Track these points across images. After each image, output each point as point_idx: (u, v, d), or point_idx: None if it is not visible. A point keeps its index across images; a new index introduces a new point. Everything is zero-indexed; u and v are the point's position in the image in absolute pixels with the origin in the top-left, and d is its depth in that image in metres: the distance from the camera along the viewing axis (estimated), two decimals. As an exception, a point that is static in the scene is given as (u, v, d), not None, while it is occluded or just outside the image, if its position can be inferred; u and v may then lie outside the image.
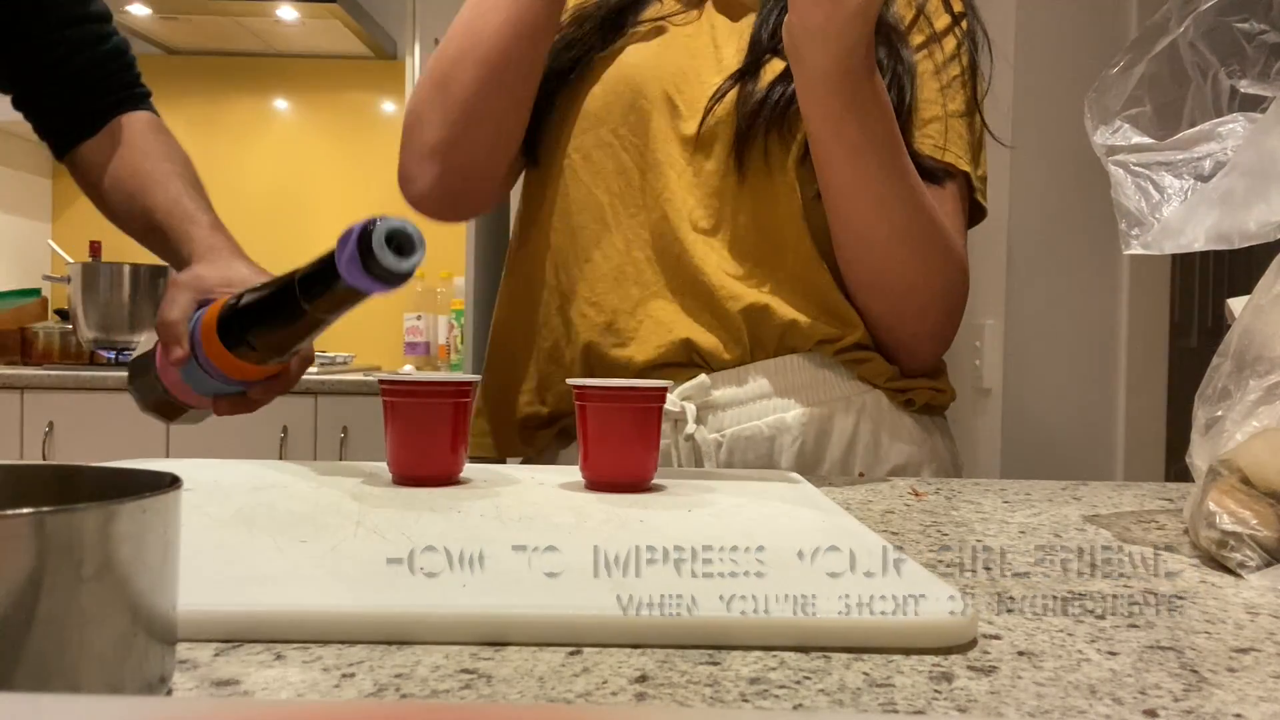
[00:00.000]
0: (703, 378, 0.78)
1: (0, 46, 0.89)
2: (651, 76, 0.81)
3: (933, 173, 0.79)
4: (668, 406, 0.77)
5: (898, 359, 0.82)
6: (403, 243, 0.55)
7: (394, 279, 0.55)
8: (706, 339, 0.79)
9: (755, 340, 0.79)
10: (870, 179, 0.72)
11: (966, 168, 0.82)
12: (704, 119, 0.79)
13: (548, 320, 0.85)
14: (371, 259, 0.54)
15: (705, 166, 0.80)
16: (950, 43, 0.83)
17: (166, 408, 0.77)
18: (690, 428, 0.77)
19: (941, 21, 0.84)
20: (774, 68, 0.80)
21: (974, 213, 0.86)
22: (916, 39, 0.83)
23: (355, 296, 0.57)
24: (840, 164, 0.72)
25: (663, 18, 0.85)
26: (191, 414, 0.78)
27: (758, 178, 0.80)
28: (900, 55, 0.80)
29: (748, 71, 0.80)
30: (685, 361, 0.79)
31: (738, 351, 0.79)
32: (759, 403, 0.79)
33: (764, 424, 0.78)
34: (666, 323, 0.79)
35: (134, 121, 0.92)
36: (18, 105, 0.93)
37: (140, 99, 0.95)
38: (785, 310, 0.78)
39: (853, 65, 0.67)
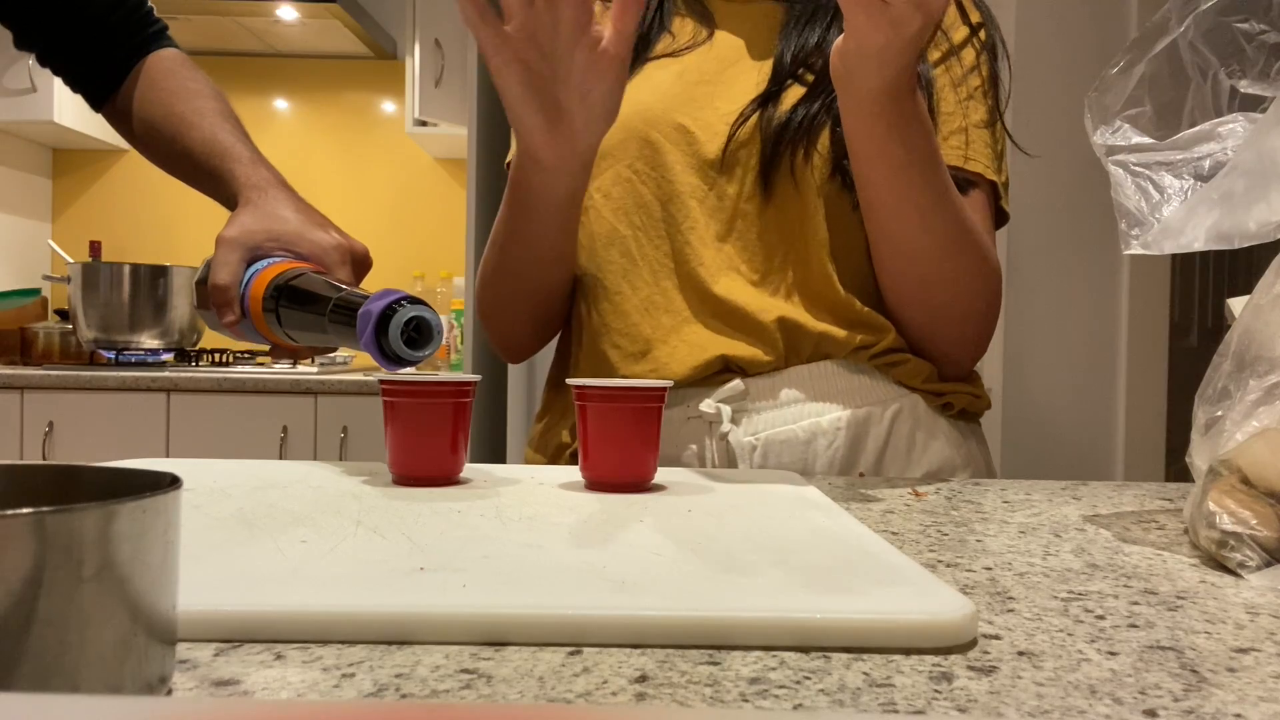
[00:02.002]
0: (737, 382, 0.79)
1: (10, 6, 0.89)
2: (662, 109, 0.82)
3: (959, 183, 0.80)
4: (703, 408, 0.79)
5: (937, 365, 0.83)
6: (421, 326, 0.58)
7: (402, 363, 0.59)
8: (742, 350, 0.80)
9: (790, 347, 0.80)
10: (913, 194, 0.73)
11: (993, 176, 0.82)
12: (728, 143, 0.80)
13: (580, 357, 0.87)
14: (384, 340, 0.57)
15: (727, 190, 0.81)
16: (969, 54, 0.84)
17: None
18: (725, 427, 0.78)
19: (959, 34, 0.84)
20: (795, 92, 0.81)
21: (997, 218, 0.87)
22: (934, 54, 0.83)
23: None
24: (884, 181, 0.73)
25: (672, 52, 0.86)
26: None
27: (783, 199, 0.81)
28: (916, 71, 0.81)
29: (770, 97, 0.81)
30: (721, 370, 0.80)
31: (773, 358, 0.80)
32: (794, 407, 0.79)
33: (799, 428, 0.79)
34: (701, 344, 0.80)
35: (160, 61, 0.91)
36: (43, 62, 0.92)
37: (159, 36, 0.94)
38: (816, 324, 0.80)
39: (900, 85, 0.67)
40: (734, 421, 0.79)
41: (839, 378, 0.80)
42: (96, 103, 0.94)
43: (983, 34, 0.85)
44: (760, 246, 0.81)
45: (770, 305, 0.80)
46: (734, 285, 0.80)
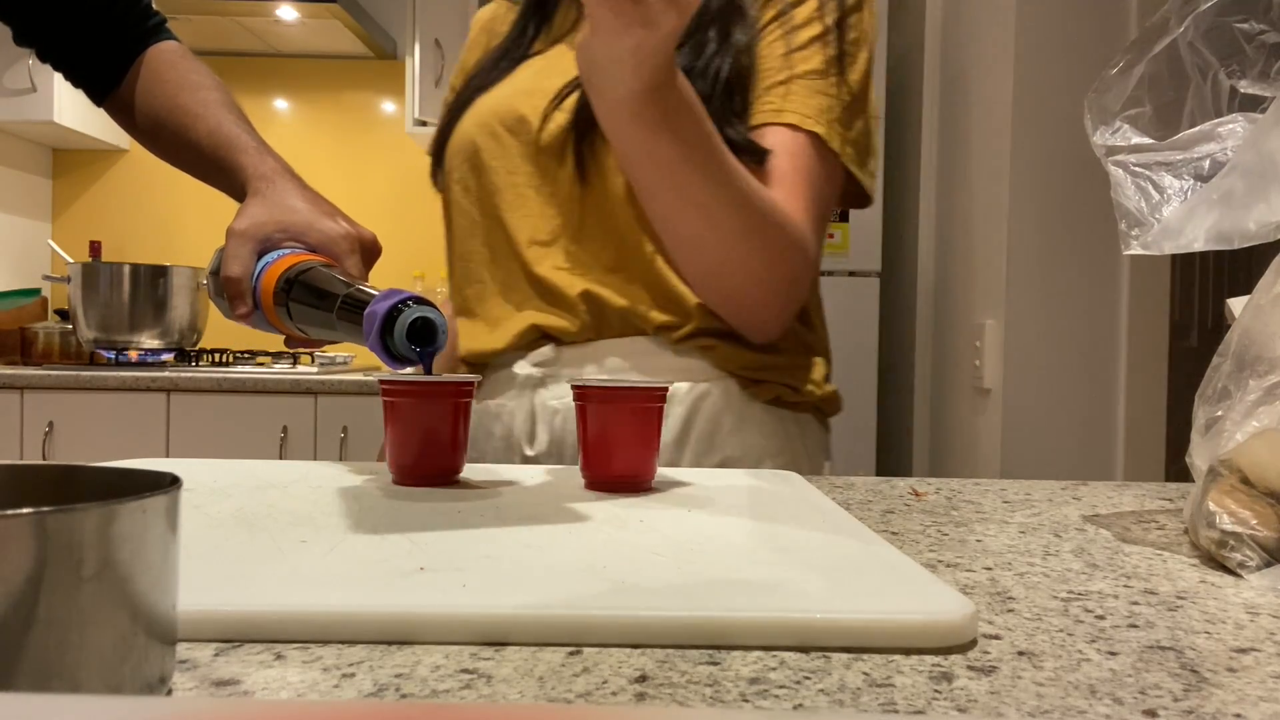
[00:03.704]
0: (548, 347, 0.82)
1: (11, 3, 0.89)
2: (508, 102, 0.84)
3: (750, 148, 0.75)
4: (515, 369, 0.82)
5: (745, 336, 0.81)
6: (426, 327, 0.58)
7: (408, 364, 0.59)
8: (553, 321, 0.82)
9: (598, 320, 0.81)
10: (690, 190, 0.69)
11: (812, 127, 0.77)
12: (542, 125, 0.81)
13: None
14: (389, 340, 0.59)
15: (559, 174, 0.82)
16: (810, 5, 0.79)
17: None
18: (522, 370, 0.82)
19: None
20: None
21: (853, 193, 0.83)
22: (768, 13, 0.80)
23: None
24: (655, 181, 0.69)
25: (539, 51, 0.89)
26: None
27: (598, 179, 0.80)
28: (730, 36, 0.77)
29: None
30: (538, 339, 0.83)
31: (579, 328, 0.81)
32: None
33: None
34: (517, 316, 0.83)
35: (160, 54, 0.92)
36: (43, 58, 0.92)
37: (158, 29, 0.94)
38: (620, 299, 0.80)
39: (660, 81, 0.62)
40: (543, 385, 0.81)
41: (651, 354, 0.80)
42: (98, 98, 0.94)
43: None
44: (582, 225, 0.81)
45: (579, 281, 0.80)
46: (554, 264, 0.82)
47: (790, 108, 0.77)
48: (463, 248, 0.87)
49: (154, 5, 0.95)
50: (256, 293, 0.71)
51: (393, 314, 0.58)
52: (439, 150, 0.91)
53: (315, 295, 0.67)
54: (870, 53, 0.82)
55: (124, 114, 0.93)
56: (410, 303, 0.59)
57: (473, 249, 0.86)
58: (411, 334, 0.59)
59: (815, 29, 0.79)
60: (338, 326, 0.64)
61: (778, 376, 0.82)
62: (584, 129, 0.78)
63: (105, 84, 0.93)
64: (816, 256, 0.79)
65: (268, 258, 0.72)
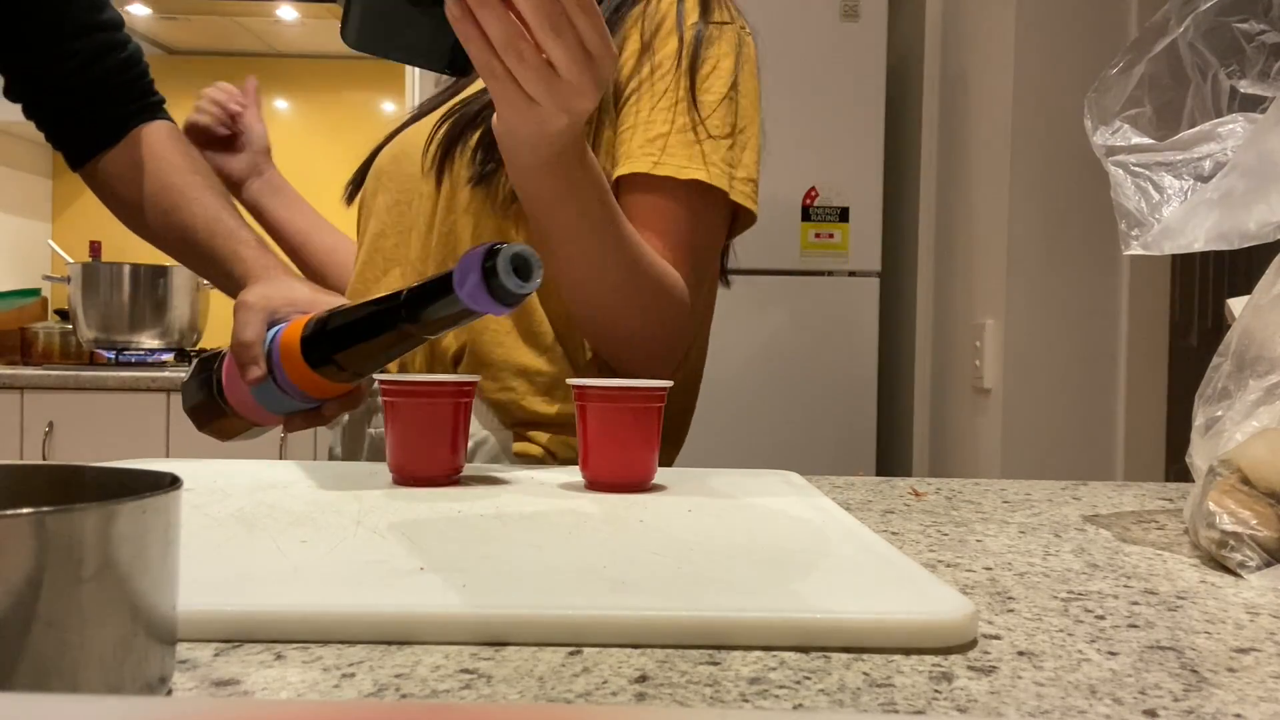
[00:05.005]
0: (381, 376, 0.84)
1: (11, 55, 0.89)
2: (422, 130, 0.88)
3: (650, 185, 0.81)
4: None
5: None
6: (520, 266, 0.57)
7: (515, 300, 0.57)
8: None
9: (433, 354, 0.84)
10: (588, 250, 0.74)
11: (692, 175, 0.82)
12: (427, 149, 0.85)
13: None
14: (496, 282, 0.56)
15: (423, 190, 0.86)
16: (669, 65, 0.83)
17: (227, 427, 0.79)
18: (374, 430, 0.86)
19: (667, 48, 0.84)
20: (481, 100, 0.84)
21: (741, 216, 0.87)
22: (644, 69, 0.84)
23: (466, 316, 0.59)
24: (558, 241, 0.74)
25: (452, 93, 0.93)
26: (254, 430, 0.80)
27: (447, 185, 0.84)
28: (582, 142, 0.82)
29: (469, 105, 0.84)
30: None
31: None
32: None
33: None
34: None
35: (154, 132, 0.92)
36: (29, 114, 0.92)
37: (156, 107, 0.95)
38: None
39: (563, 160, 0.68)
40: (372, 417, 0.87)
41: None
42: (76, 162, 0.94)
43: (689, 34, 0.84)
44: (427, 251, 0.85)
45: None
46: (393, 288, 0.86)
47: (666, 160, 0.81)
48: (366, 250, 0.92)
49: (154, 10, 0.95)
50: (274, 355, 0.70)
51: (492, 253, 0.57)
52: (361, 177, 0.96)
53: (364, 309, 0.65)
54: (745, 90, 0.86)
55: (102, 183, 0.93)
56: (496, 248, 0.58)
57: (384, 260, 0.91)
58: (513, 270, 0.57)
59: (685, 83, 0.83)
60: (405, 317, 0.61)
61: (545, 438, 0.83)
62: (450, 142, 0.83)
63: (89, 151, 0.93)
64: (691, 308, 0.83)
65: (279, 326, 0.72)
